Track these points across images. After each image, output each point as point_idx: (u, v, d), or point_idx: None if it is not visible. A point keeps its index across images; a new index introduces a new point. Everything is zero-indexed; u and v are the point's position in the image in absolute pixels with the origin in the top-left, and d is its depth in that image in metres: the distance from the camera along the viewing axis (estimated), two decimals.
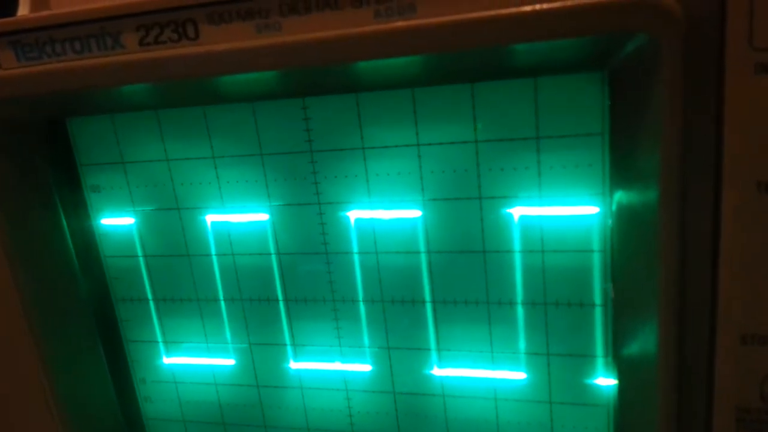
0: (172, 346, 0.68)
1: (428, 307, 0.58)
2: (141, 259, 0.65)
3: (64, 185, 0.63)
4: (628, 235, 0.49)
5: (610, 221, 0.51)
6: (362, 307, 0.60)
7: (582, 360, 0.55)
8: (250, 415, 0.68)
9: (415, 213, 0.55)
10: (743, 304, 0.44)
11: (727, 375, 0.46)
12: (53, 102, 0.55)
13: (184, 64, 0.47)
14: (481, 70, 0.48)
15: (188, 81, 0.48)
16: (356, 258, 0.58)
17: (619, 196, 0.49)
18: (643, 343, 0.49)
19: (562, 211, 0.52)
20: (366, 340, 0.61)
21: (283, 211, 0.59)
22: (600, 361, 0.55)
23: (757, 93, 0.41)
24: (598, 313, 0.54)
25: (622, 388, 0.54)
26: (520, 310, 0.56)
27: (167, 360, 0.69)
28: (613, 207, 0.50)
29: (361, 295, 0.59)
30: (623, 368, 0.53)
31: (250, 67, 0.45)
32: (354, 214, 0.57)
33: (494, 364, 0.58)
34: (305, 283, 0.61)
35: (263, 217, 0.59)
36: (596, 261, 0.52)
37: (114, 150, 0.61)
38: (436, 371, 0.60)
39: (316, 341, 0.63)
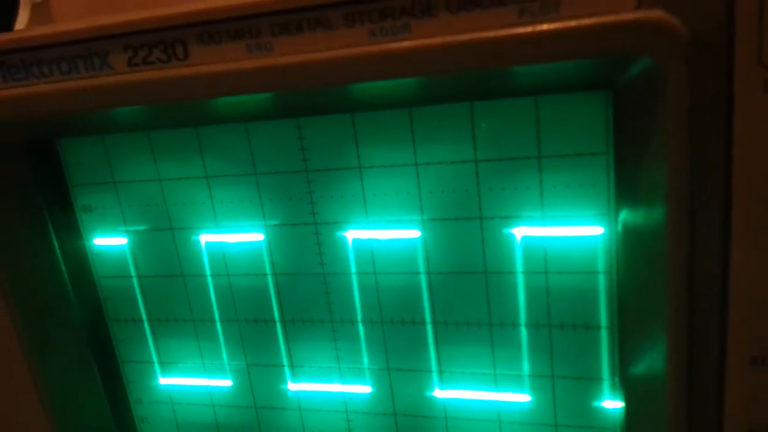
0: (168, 366, 0.67)
1: (429, 328, 0.56)
2: (135, 280, 0.63)
3: (55, 205, 0.62)
4: (634, 256, 0.48)
5: (615, 242, 0.49)
6: (361, 328, 0.58)
7: (587, 383, 0.54)
8: None
9: (414, 233, 0.54)
10: (753, 326, 0.43)
11: (736, 398, 0.45)
12: (41, 124, 0.54)
13: (173, 86, 0.45)
14: (479, 91, 0.46)
15: (178, 103, 0.46)
16: (354, 278, 0.57)
17: (625, 216, 0.48)
18: (651, 365, 0.48)
19: (565, 231, 0.50)
20: (365, 361, 0.59)
21: (279, 231, 0.57)
22: (606, 384, 0.54)
23: (766, 111, 0.39)
24: (603, 335, 0.52)
25: (629, 411, 0.53)
26: (523, 332, 0.54)
27: (163, 380, 0.67)
28: (619, 228, 0.48)
29: (359, 316, 0.58)
30: (630, 391, 0.52)
31: (242, 89, 0.44)
32: (351, 234, 0.55)
33: (497, 386, 0.57)
34: (302, 303, 0.59)
35: (258, 237, 0.58)
36: (601, 282, 0.51)
37: (105, 170, 0.60)
38: (438, 393, 0.58)
39: (314, 362, 0.61)
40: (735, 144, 0.40)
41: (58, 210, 0.62)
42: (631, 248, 0.48)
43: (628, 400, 0.53)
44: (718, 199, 0.42)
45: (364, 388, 0.61)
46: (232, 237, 0.59)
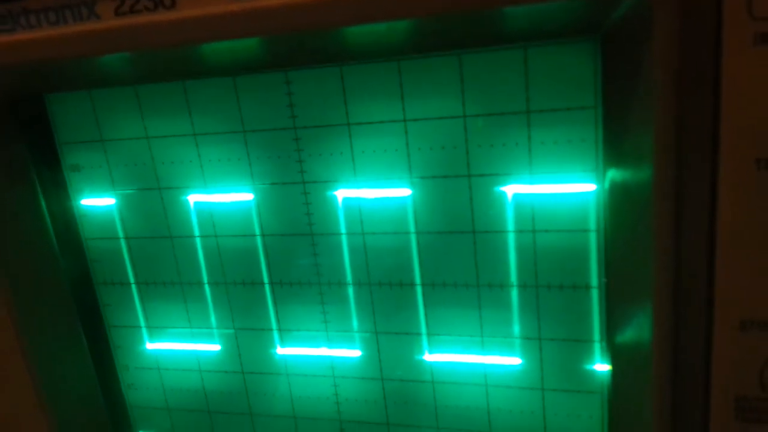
0: (155, 331, 0.66)
1: (417, 290, 0.56)
2: (122, 241, 0.63)
3: (43, 164, 0.61)
4: (621, 214, 0.47)
5: (603, 199, 0.49)
6: (349, 291, 0.58)
7: (576, 345, 0.54)
8: (236, 402, 0.66)
9: (402, 192, 0.53)
10: (742, 288, 0.43)
11: (725, 362, 0.44)
12: (29, 76, 0.53)
13: (160, 33, 0.45)
14: (469, 36, 0.46)
15: (166, 50, 0.46)
16: (344, 239, 0.56)
17: (612, 173, 0.47)
18: (638, 327, 0.47)
19: (554, 189, 0.50)
20: (353, 324, 0.59)
21: (267, 191, 0.57)
22: (595, 346, 0.53)
23: (756, 65, 0.39)
24: (593, 296, 0.52)
25: (616, 374, 0.52)
26: (511, 293, 0.54)
27: (151, 345, 0.67)
28: (606, 185, 0.48)
29: (348, 278, 0.57)
30: (617, 354, 0.52)
31: (229, 34, 0.43)
32: (340, 194, 0.55)
33: (485, 349, 0.56)
34: (290, 265, 0.59)
35: (248, 197, 0.57)
36: (591, 241, 0.50)
37: (93, 128, 0.59)
38: (426, 356, 0.58)
39: (302, 326, 0.61)
40: (723, 98, 0.40)
41: (46, 169, 0.62)
42: (619, 206, 0.47)
43: (614, 363, 0.52)
44: (707, 155, 0.41)
45: (351, 353, 0.60)
46: (220, 197, 0.58)
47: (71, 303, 0.66)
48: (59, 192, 0.63)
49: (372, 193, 0.54)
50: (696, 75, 0.40)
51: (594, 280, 0.51)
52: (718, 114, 0.40)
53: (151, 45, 0.45)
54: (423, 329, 0.57)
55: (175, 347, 0.66)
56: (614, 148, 0.47)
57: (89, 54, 0.47)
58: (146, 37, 0.45)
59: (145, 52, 0.47)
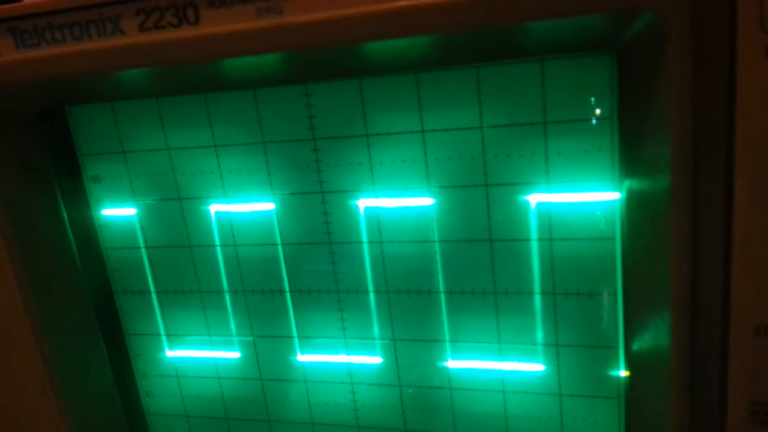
0: (174, 339, 0.67)
1: (436, 297, 0.57)
2: (143, 251, 0.64)
3: (65, 175, 0.62)
4: (638, 223, 0.48)
5: (620, 208, 0.49)
6: (368, 299, 0.59)
7: (593, 351, 0.54)
8: (254, 409, 0.67)
9: (420, 201, 0.54)
10: (756, 295, 0.43)
11: (740, 367, 0.45)
12: (52, 89, 0.54)
13: (184, 48, 0.46)
14: (487, 51, 0.47)
15: (188, 66, 0.47)
16: (363, 248, 0.57)
17: (630, 182, 0.48)
18: (655, 334, 0.48)
19: (571, 198, 0.50)
20: (372, 332, 0.60)
21: (286, 201, 0.58)
22: (612, 353, 0.54)
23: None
24: (609, 303, 0.52)
25: (634, 380, 0.53)
26: (528, 300, 0.54)
27: (170, 353, 0.68)
28: (624, 194, 0.49)
29: (367, 286, 0.58)
30: (635, 360, 0.52)
31: (251, 50, 0.44)
32: (362, 203, 0.56)
33: (502, 355, 0.57)
34: (308, 274, 0.60)
35: (267, 206, 0.58)
36: (607, 249, 0.51)
37: (114, 139, 0.60)
38: (443, 363, 0.59)
39: (320, 333, 0.62)
40: (737, 109, 0.40)
41: (68, 180, 0.63)
42: (636, 214, 0.48)
43: (632, 369, 0.53)
44: (722, 165, 0.42)
45: (369, 359, 0.61)
46: (240, 207, 0.59)
47: (91, 311, 0.67)
48: (80, 202, 0.64)
49: (391, 202, 0.55)
50: (710, 88, 0.41)
51: (611, 287, 0.52)
52: (733, 125, 0.41)
53: (174, 60, 0.47)
54: (443, 336, 0.58)
55: (194, 355, 0.67)
56: (631, 158, 0.47)
57: (113, 69, 0.49)
58: (170, 53, 0.46)
59: (169, 67, 0.48)
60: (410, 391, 0.61)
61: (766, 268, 0.42)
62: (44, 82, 0.51)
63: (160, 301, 0.66)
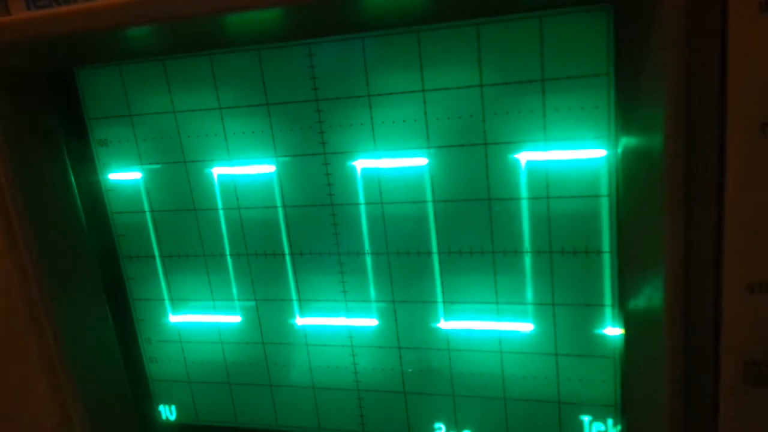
0: (178, 303, 0.68)
1: (434, 258, 0.58)
2: (148, 215, 0.65)
3: (73, 139, 0.64)
4: (633, 180, 0.49)
5: (615, 165, 0.50)
6: (368, 260, 0.60)
7: (589, 310, 0.55)
8: (256, 373, 0.68)
9: (421, 161, 0.55)
10: (749, 252, 0.44)
11: (734, 325, 0.45)
12: (62, 48, 0.55)
13: (191, 1, 0.47)
14: (487, 4, 0.48)
15: (195, 20, 0.48)
16: (363, 209, 0.58)
17: (625, 139, 0.49)
18: (649, 292, 0.49)
19: (567, 155, 0.51)
20: (371, 294, 0.61)
21: (289, 163, 0.59)
22: (607, 311, 0.55)
23: (761, 33, 0.40)
24: (605, 260, 0.53)
25: (629, 339, 0.54)
26: (525, 259, 0.55)
27: (173, 318, 0.69)
28: (619, 151, 0.49)
29: (366, 248, 0.59)
30: (629, 318, 0.53)
31: (257, 3, 0.45)
32: (360, 164, 0.57)
33: (500, 315, 0.58)
34: (310, 236, 0.61)
35: (269, 168, 0.59)
36: (603, 206, 0.52)
37: (122, 102, 0.62)
38: (442, 324, 0.60)
39: (321, 296, 0.63)
40: (729, 65, 0.41)
41: (76, 143, 0.64)
42: (631, 172, 0.49)
43: (627, 327, 0.54)
44: (715, 120, 0.43)
45: (369, 322, 0.62)
46: (243, 169, 0.60)
47: (97, 276, 0.68)
48: (87, 166, 0.65)
49: (390, 162, 0.56)
50: (704, 41, 0.41)
51: (606, 245, 0.53)
52: (725, 80, 0.42)
53: (182, 13, 0.47)
54: (439, 297, 0.59)
55: (197, 319, 0.68)
56: (626, 114, 0.48)
57: (122, 25, 0.49)
58: (178, 7, 0.47)
59: (176, 22, 0.49)
60: (413, 357, 0.62)
61: (760, 224, 0.43)
62: (54, 39, 0.52)
63: (164, 266, 0.67)
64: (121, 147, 0.63)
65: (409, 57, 0.52)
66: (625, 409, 0.56)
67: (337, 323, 0.63)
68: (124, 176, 0.64)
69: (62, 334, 0.63)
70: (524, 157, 0.52)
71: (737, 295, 0.45)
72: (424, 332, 0.61)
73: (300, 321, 0.64)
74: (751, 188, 0.43)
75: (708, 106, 0.43)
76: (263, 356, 0.67)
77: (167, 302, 0.69)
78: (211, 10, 0.47)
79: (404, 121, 0.54)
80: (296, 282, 0.63)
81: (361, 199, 0.58)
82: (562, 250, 0.54)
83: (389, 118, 0.55)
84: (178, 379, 0.72)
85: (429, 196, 0.56)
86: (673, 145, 0.43)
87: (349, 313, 0.62)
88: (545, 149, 0.52)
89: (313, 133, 0.57)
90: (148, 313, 0.70)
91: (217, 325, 0.68)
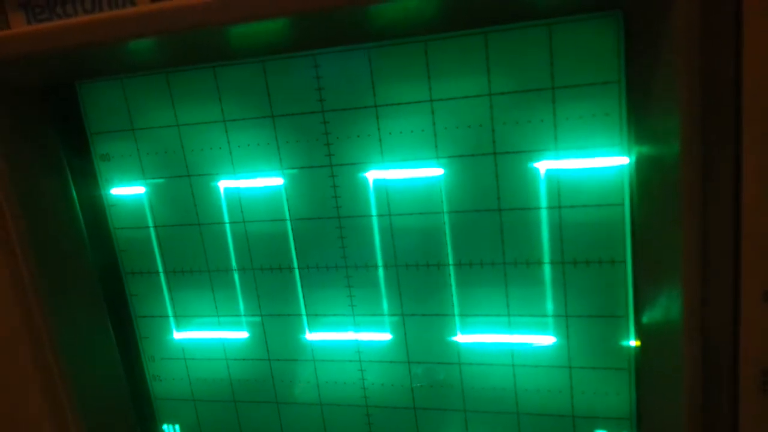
0: (182, 320, 0.67)
1: (445, 270, 0.57)
2: (151, 230, 0.64)
3: (74, 154, 0.63)
4: (648, 188, 0.48)
5: (628, 173, 0.49)
6: (377, 273, 0.59)
7: (603, 321, 0.54)
8: (262, 390, 0.67)
9: (429, 172, 0.54)
10: (766, 259, 0.43)
11: (751, 334, 0.45)
12: (63, 62, 0.54)
13: (194, 14, 0.46)
14: (494, 12, 0.47)
15: (198, 32, 0.47)
16: (372, 221, 0.57)
17: (639, 147, 0.48)
18: (667, 302, 0.48)
19: (579, 163, 0.51)
20: (380, 308, 0.60)
21: (295, 175, 0.58)
22: (622, 322, 0.54)
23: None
24: (618, 271, 0.52)
25: (644, 350, 0.53)
26: (538, 271, 0.54)
27: (177, 335, 0.68)
28: (633, 158, 0.49)
29: (375, 261, 0.58)
30: (645, 329, 0.52)
31: (260, 14, 0.45)
32: (371, 175, 0.56)
33: (512, 328, 0.57)
34: (317, 249, 0.60)
35: (276, 181, 0.58)
36: (616, 215, 0.51)
37: (124, 117, 0.61)
38: (453, 338, 0.58)
39: (329, 311, 0.62)
40: (744, 66, 0.41)
41: (77, 158, 0.63)
42: (645, 180, 0.48)
43: (643, 338, 0.53)
44: (730, 124, 0.42)
45: (378, 336, 0.61)
46: (249, 182, 0.59)
47: (99, 293, 0.67)
48: (89, 182, 0.64)
49: (398, 173, 0.55)
50: (718, 44, 0.41)
51: (620, 255, 0.52)
52: (740, 83, 0.41)
53: (185, 27, 0.47)
54: (452, 310, 0.58)
55: (202, 336, 0.67)
56: (639, 121, 0.48)
57: (124, 37, 0.49)
58: (181, 20, 0.47)
59: (179, 34, 0.48)
60: (419, 371, 0.61)
61: None
62: (55, 53, 0.51)
63: (168, 282, 0.66)
64: (124, 162, 0.63)
65: (416, 67, 0.52)
66: (641, 422, 0.55)
67: (345, 338, 0.62)
68: (126, 191, 0.64)
69: (63, 352, 0.62)
70: (534, 166, 0.52)
71: (753, 304, 0.44)
72: (435, 346, 0.60)
73: (308, 336, 0.63)
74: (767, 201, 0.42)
75: (722, 112, 0.42)
76: (269, 373, 0.66)
77: (171, 319, 0.67)
78: (214, 21, 0.46)
79: (412, 131, 0.54)
80: (304, 296, 0.62)
81: (373, 211, 0.57)
82: (574, 261, 0.53)
83: (397, 129, 0.54)
84: (182, 397, 0.70)
85: (439, 207, 0.55)
86: (689, 151, 0.42)
87: (357, 327, 0.61)
88: (557, 158, 0.51)
89: (319, 145, 0.56)
90: (151, 330, 0.69)
91: (222, 342, 0.67)
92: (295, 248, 0.60)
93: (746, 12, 0.40)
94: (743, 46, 0.40)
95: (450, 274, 0.57)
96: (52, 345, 0.61)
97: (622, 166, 0.50)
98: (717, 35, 0.41)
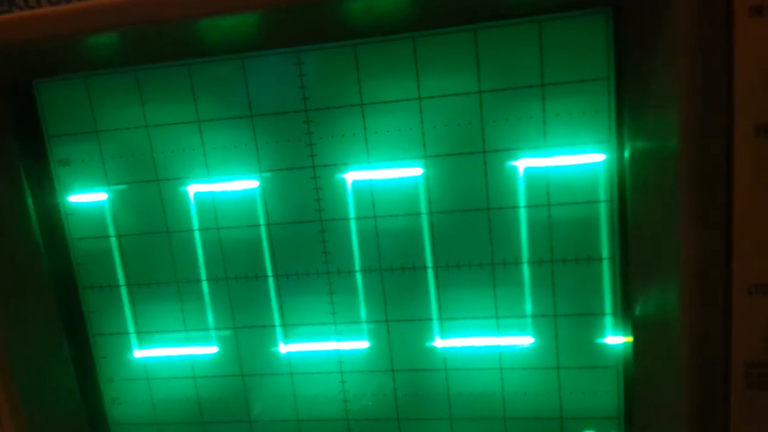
0: (145, 337, 0.63)
1: (429, 272, 0.55)
2: (113, 240, 0.60)
3: (30, 158, 0.58)
4: (641, 185, 0.48)
5: (617, 169, 0.50)
6: (359, 278, 0.57)
7: (590, 319, 0.54)
8: (233, 409, 0.63)
9: (416, 171, 0.53)
10: (752, 254, 0.44)
11: (742, 327, 0.45)
12: (20, 58, 0.50)
13: (161, 6, 0.43)
14: (482, 7, 0.47)
15: (166, 26, 0.44)
16: (353, 224, 0.55)
17: (631, 143, 0.48)
18: (661, 297, 0.47)
19: (568, 160, 0.51)
20: (363, 314, 0.58)
21: (274, 177, 0.56)
22: (608, 320, 0.54)
23: (754, 36, 0.41)
24: (605, 267, 0.52)
25: (637, 346, 0.53)
26: (525, 270, 0.54)
27: (139, 353, 0.63)
28: (626, 154, 0.49)
29: (357, 265, 0.56)
30: (638, 325, 0.52)
31: (230, 7, 0.42)
32: (351, 176, 0.54)
33: (499, 330, 0.56)
34: (297, 255, 0.57)
35: (252, 184, 0.56)
36: (603, 212, 0.51)
37: (87, 118, 0.57)
38: (438, 342, 0.57)
39: (308, 319, 0.59)
40: (736, 63, 0.41)
41: (33, 163, 0.58)
42: (639, 177, 0.48)
43: (635, 335, 0.52)
44: (722, 123, 0.43)
45: (360, 344, 0.59)
46: (223, 186, 0.56)
47: (54, 309, 0.61)
48: (45, 188, 0.59)
49: (384, 173, 0.54)
50: (710, 44, 0.42)
51: (606, 252, 0.52)
52: (732, 81, 0.42)
53: (153, 19, 0.44)
54: (435, 314, 0.56)
55: (167, 353, 0.63)
56: (631, 118, 0.48)
57: (88, 29, 0.45)
58: (148, 12, 0.44)
59: (147, 27, 0.45)
60: (403, 375, 0.59)
61: (763, 225, 0.43)
62: (10, 47, 0.47)
63: (130, 296, 0.62)
64: (85, 166, 0.58)
65: (404, 64, 0.51)
66: (630, 420, 0.55)
67: (325, 348, 0.59)
68: (86, 198, 0.59)
69: (12, 372, 0.56)
70: (524, 163, 0.52)
71: (742, 298, 0.45)
72: (420, 352, 0.58)
73: (284, 348, 0.60)
74: (756, 199, 0.43)
75: (716, 109, 0.43)
76: (242, 389, 0.62)
77: (132, 336, 0.63)
78: (183, 14, 0.43)
79: (399, 129, 0.53)
80: (280, 306, 0.59)
81: (352, 213, 0.55)
82: (563, 259, 0.53)
83: (383, 128, 0.53)
84: (144, 421, 0.65)
85: (424, 208, 0.54)
86: (688, 147, 0.42)
87: (339, 336, 0.59)
88: (546, 155, 0.51)
89: (301, 145, 0.54)
90: (110, 350, 0.64)
91: (189, 358, 0.62)
92: (273, 255, 0.58)
93: (737, 9, 0.41)
94: (735, 42, 0.41)
95: (435, 277, 0.55)
96: (2, 366, 0.56)
97: (609, 161, 0.50)
98: (709, 31, 0.41)
